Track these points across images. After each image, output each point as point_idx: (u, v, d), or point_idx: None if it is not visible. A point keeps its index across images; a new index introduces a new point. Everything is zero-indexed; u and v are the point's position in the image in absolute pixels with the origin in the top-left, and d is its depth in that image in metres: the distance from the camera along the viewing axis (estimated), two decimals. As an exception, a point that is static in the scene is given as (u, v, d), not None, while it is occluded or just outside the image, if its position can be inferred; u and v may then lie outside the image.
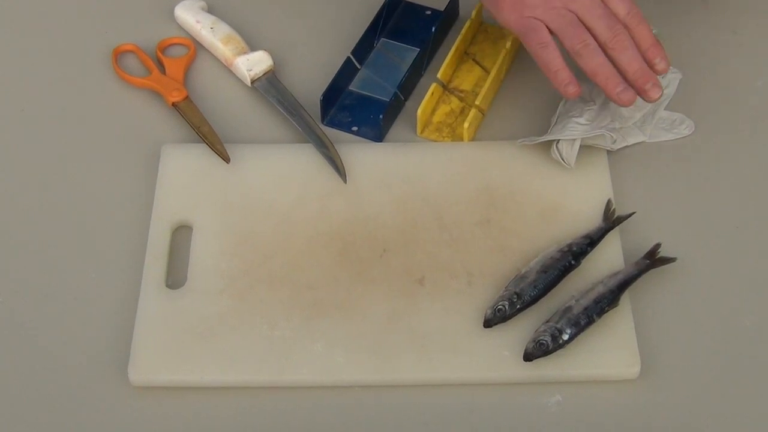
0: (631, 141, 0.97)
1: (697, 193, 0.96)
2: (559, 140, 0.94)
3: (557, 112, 0.97)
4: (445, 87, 1.02)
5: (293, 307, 0.88)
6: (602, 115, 0.96)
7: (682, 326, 0.88)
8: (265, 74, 1.04)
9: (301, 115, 1.00)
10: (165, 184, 0.96)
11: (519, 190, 0.95)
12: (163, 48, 1.07)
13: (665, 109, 1.00)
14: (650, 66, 0.92)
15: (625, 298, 0.87)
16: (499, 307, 0.86)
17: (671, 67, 1.02)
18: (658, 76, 0.93)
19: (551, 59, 0.92)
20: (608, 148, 0.94)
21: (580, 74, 0.93)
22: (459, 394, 0.85)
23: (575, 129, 0.94)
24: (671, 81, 1.01)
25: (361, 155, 0.98)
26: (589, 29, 0.92)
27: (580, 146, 0.94)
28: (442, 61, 1.02)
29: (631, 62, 0.91)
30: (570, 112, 0.96)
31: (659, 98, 0.92)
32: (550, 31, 0.92)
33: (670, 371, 0.85)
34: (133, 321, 0.88)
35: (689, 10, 1.10)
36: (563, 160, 0.95)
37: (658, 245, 0.90)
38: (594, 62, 0.91)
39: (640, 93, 0.92)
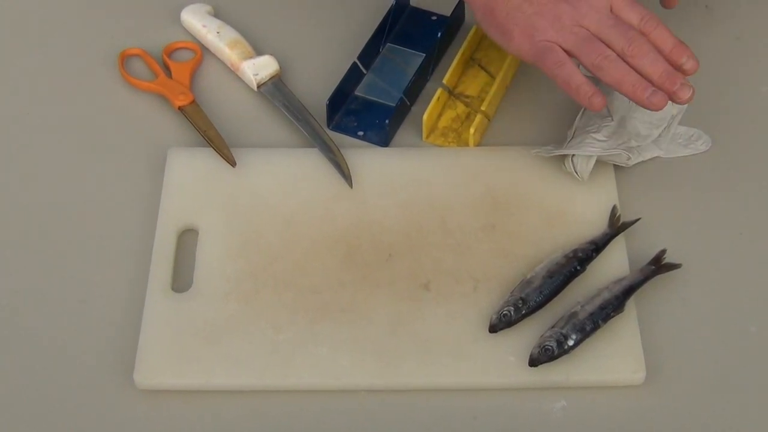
0: (647, 156, 0.97)
1: (702, 199, 0.96)
2: (574, 155, 0.94)
3: (574, 125, 0.96)
4: (450, 92, 1.02)
5: (298, 311, 0.88)
6: (619, 133, 0.96)
7: (688, 332, 0.88)
8: (271, 79, 1.04)
9: (307, 119, 1.01)
10: (171, 188, 0.96)
11: (524, 195, 0.95)
12: (170, 52, 1.07)
13: (681, 125, 0.99)
14: (678, 68, 0.90)
15: (631, 304, 0.87)
16: (505, 312, 0.87)
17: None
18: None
19: (570, 75, 0.90)
20: (623, 165, 0.94)
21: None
22: (464, 399, 0.85)
23: (593, 145, 0.93)
24: None
25: (367, 160, 0.98)
26: (604, 42, 0.90)
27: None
28: (448, 67, 1.02)
29: (653, 65, 0.89)
30: (587, 127, 0.95)
31: (691, 97, 0.89)
32: (566, 52, 0.91)
33: (675, 377, 0.86)
34: (139, 324, 0.88)
35: (692, 15, 1.10)
36: (576, 173, 0.94)
37: (663, 251, 0.90)
38: (617, 72, 0.89)
39: (670, 96, 0.89)
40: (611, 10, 0.91)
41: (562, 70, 0.90)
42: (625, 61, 0.89)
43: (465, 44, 1.04)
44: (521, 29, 0.92)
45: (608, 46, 0.90)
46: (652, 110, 0.89)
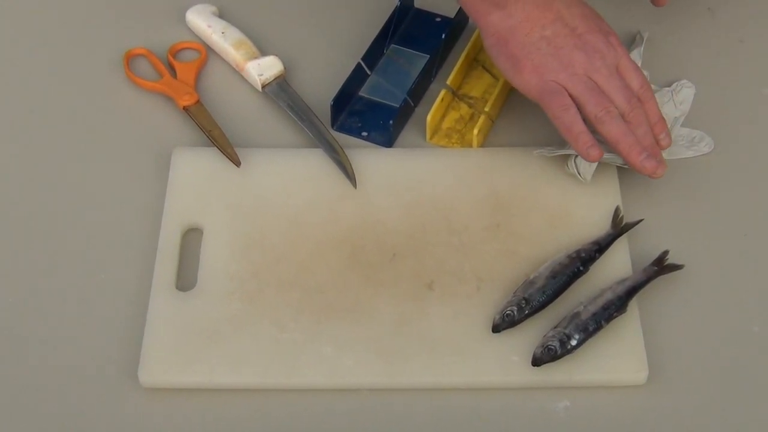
0: None
1: (705, 200, 0.96)
2: (577, 155, 0.94)
3: None
4: (454, 93, 1.03)
5: (302, 310, 0.89)
6: None
7: (690, 332, 0.88)
8: (275, 79, 1.04)
9: (312, 120, 1.01)
10: (176, 187, 0.96)
11: (528, 196, 0.95)
12: (175, 52, 1.07)
13: (684, 127, 1.00)
14: (655, 141, 0.94)
15: (633, 305, 0.88)
16: (508, 312, 0.87)
17: (686, 81, 1.02)
18: (677, 94, 0.98)
19: (573, 122, 0.92)
20: (626, 167, 0.95)
21: None
22: (467, 399, 0.85)
23: None
24: (686, 96, 1.01)
25: (371, 160, 0.98)
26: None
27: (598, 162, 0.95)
28: (452, 68, 1.02)
29: (645, 137, 0.92)
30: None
31: (662, 174, 0.92)
32: (571, 97, 0.92)
33: (677, 377, 0.86)
34: (144, 323, 0.88)
35: (696, 18, 1.10)
36: (579, 174, 0.95)
37: (666, 252, 0.91)
38: (617, 130, 0.92)
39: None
40: (617, 69, 0.93)
41: (566, 115, 0.92)
42: None
43: (469, 45, 1.04)
44: (533, 65, 0.93)
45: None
46: (642, 173, 0.92)
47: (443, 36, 1.05)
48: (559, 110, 0.92)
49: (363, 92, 1.04)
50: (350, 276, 0.91)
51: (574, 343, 0.85)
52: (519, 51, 0.94)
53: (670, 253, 0.91)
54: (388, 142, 1.00)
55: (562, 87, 0.93)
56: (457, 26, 1.08)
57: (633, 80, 0.94)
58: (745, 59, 1.07)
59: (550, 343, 0.85)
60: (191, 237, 0.94)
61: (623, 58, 0.94)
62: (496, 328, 0.87)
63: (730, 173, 0.98)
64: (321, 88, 1.04)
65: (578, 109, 0.92)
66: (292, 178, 0.97)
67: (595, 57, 0.93)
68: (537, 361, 0.85)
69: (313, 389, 0.86)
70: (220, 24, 1.08)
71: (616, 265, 0.91)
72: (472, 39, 1.04)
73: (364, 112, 1.03)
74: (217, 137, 0.99)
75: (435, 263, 0.91)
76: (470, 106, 1.02)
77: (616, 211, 0.94)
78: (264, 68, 1.04)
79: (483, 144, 1.00)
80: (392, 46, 1.07)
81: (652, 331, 0.87)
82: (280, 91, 1.03)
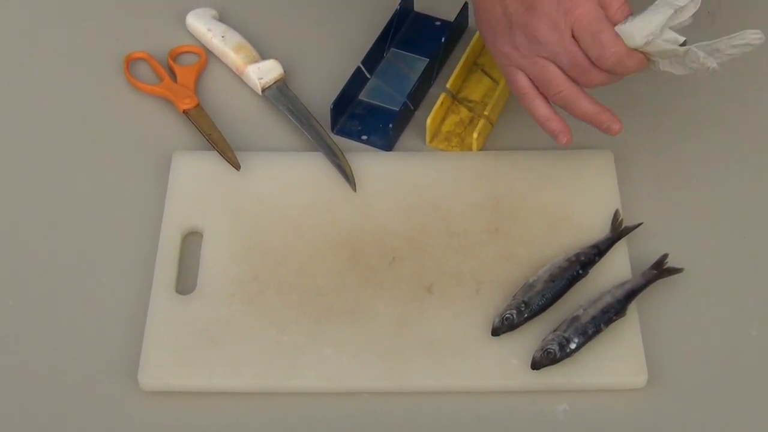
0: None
1: (705, 203, 0.97)
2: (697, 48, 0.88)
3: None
4: (454, 97, 1.03)
5: (302, 313, 0.89)
6: None
7: (689, 336, 0.88)
8: (275, 83, 1.04)
9: (311, 123, 1.01)
10: (176, 191, 0.96)
11: (527, 199, 0.95)
12: (175, 56, 1.08)
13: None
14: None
15: (633, 308, 0.88)
16: (507, 315, 0.87)
17: None
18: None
19: (534, 108, 0.90)
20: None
21: None
22: (466, 402, 0.85)
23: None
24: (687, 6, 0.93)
25: (371, 164, 0.98)
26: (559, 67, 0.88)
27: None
28: (452, 72, 1.03)
29: (595, 78, 0.88)
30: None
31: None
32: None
33: (676, 381, 0.86)
34: (144, 326, 0.88)
35: (695, 22, 1.10)
36: (700, 64, 0.88)
37: (665, 256, 0.91)
38: (585, 108, 0.89)
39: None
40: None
41: (526, 101, 0.91)
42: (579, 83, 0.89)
43: (468, 49, 1.04)
44: (497, 52, 0.91)
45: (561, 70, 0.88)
46: (610, 134, 0.90)
47: (443, 39, 1.05)
48: (519, 98, 0.91)
49: (363, 96, 1.04)
50: (350, 278, 0.91)
51: (573, 346, 0.85)
52: (484, 29, 0.92)
53: (669, 256, 0.91)
54: (388, 145, 1.01)
55: (518, 70, 0.90)
56: (456, 30, 1.08)
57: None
58: (745, 62, 1.07)
59: (549, 346, 0.85)
60: (191, 240, 0.94)
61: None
62: (496, 332, 0.87)
63: (730, 176, 0.98)
64: (321, 91, 1.04)
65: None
66: (291, 181, 0.97)
67: (538, 33, 0.87)
68: (536, 365, 0.85)
69: (313, 392, 0.86)
70: (220, 28, 1.08)
71: (616, 269, 0.91)
72: (472, 42, 1.04)
73: (363, 116, 1.03)
74: (217, 141, 1.00)
75: (434, 266, 0.91)
76: (470, 109, 1.03)
77: (616, 214, 0.94)
78: (264, 72, 1.04)
79: (482, 147, 1.00)
80: (392, 49, 1.08)
81: (651, 334, 0.87)
82: (280, 94, 1.04)
